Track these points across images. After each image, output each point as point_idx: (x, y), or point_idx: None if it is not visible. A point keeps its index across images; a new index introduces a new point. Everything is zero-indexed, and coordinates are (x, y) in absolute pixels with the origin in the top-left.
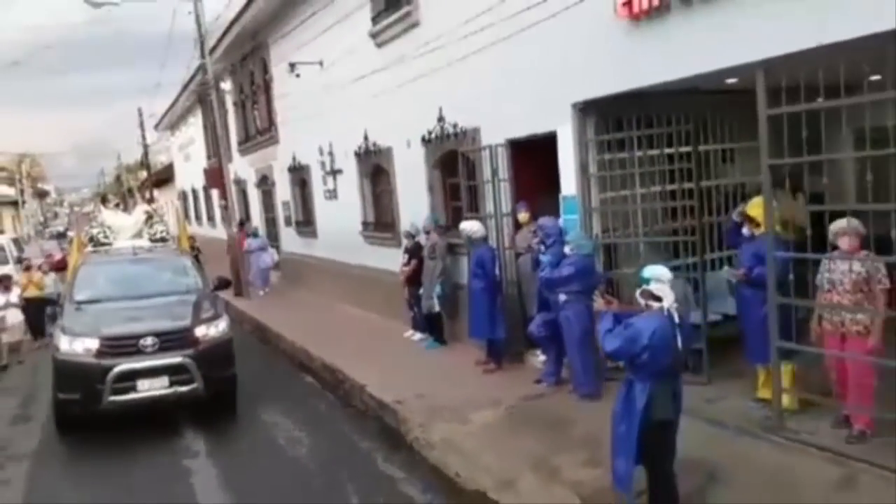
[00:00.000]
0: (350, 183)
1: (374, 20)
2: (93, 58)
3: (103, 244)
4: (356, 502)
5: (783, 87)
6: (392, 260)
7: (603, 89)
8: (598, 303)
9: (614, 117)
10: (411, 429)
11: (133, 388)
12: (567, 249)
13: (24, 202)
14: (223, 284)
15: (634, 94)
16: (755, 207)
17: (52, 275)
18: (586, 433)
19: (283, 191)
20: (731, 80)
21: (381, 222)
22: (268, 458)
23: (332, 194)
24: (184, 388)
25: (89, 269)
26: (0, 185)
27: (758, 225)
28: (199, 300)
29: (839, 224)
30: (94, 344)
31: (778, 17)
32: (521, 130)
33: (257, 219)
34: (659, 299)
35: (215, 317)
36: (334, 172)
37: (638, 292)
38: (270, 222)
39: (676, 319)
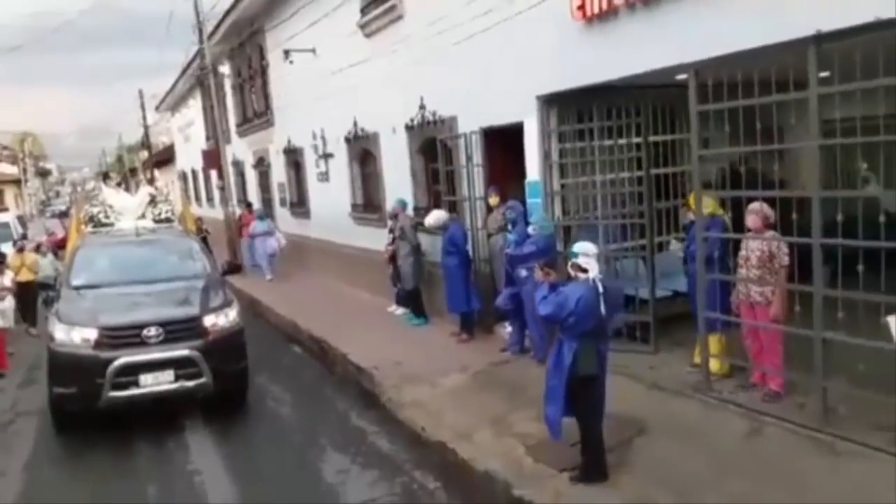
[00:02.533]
0: (341, 166)
1: (363, 11)
2: (94, 39)
3: (104, 225)
4: (329, 451)
5: (724, 83)
6: (379, 240)
7: (563, 84)
8: (538, 274)
9: (575, 109)
10: (385, 391)
11: (135, 383)
12: (530, 230)
13: (26, 181)
14: (233, 269)
15: (593, 88)
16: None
17: (50, 256)
18: (539, 394)
19: (279, 173)
20: (681, 77)
21: (369, 204)
22: (254, 416)
23: (324, 177)
24: (191, 383)
25: (88, 252)
26: (2, 164)
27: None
28: (207, 286)
29: (750, 206)
30: (92, 334)
31: (704, 26)
32: (494, 120)
33: (255, 200)
34: (585, 271)
35: (225, 305)
36: (326, 156)
37: (569, 264)
38: (267, 203)
39: (601, 289)
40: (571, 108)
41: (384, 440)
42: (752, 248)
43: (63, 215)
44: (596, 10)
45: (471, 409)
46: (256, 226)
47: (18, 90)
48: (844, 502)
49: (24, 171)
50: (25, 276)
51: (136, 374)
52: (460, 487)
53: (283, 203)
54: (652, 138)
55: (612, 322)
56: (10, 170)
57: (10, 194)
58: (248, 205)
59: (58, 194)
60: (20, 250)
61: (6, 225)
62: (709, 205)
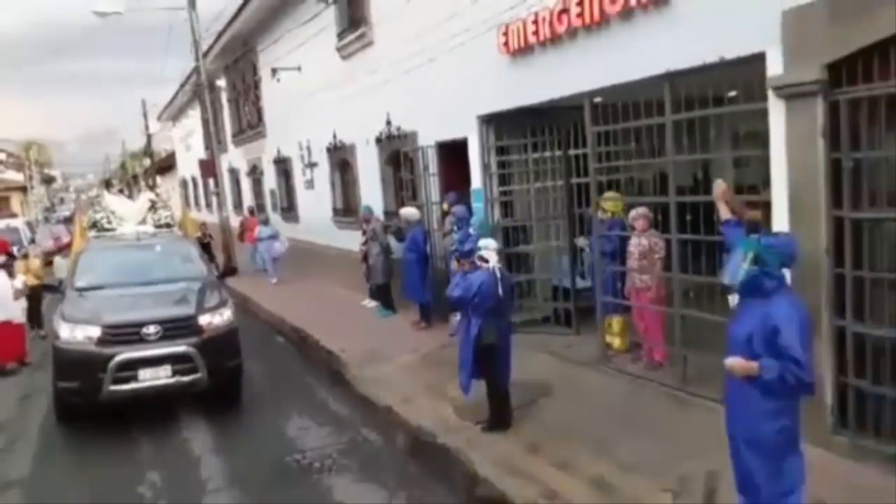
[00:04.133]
0: (324, 174)
1: (339, 36)
2: (99, 49)
3: (107, 230)
4: (294, 415)
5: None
6: (356, 241)
7: (498, 106)
8: (454, 265)
9: (510, 127)
10: (350, 370)
11: (135, 378)
12: (471, 230)
13: (31, 188)
14: (228, 272)
15: (522, 109)
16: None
17: (61, 261)
18: None
19: (270, 180)
20: (597, 100)
21: (347, 209)
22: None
23: (309, 184)
24: (187, 378)
25: (91, 255)
26: (9, 171)
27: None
28: (203, 288)
29: (634, 211)
30: (95, 332)
31: (593, 63)
32: (446, 135)
33: (249, 205)
34: (487, 261)
35: (220, 305)
36: (311, 165)
37: (476, 256)
38: (260, 209)
39: (499, 275)
40: (507, 125)
41: (342, 406)
42: (634, 243)
43: (68, 221)
44: (516, 46)
45: (416, 380)
46: (262, 230)
47: (24, 99)
48: (686, 437)
49: (30, 178)
50: (30, 281)
51: (135, 370)
52: (397, 439)
53: (274, 208)
54: (573, 152)
55: (511, 303)
56: (17, 177)
57: (16, 201)
58: (252, 211)
59: (62, 201)
60: (24, 256)
61: (16, 230)
62: (613, 206)
